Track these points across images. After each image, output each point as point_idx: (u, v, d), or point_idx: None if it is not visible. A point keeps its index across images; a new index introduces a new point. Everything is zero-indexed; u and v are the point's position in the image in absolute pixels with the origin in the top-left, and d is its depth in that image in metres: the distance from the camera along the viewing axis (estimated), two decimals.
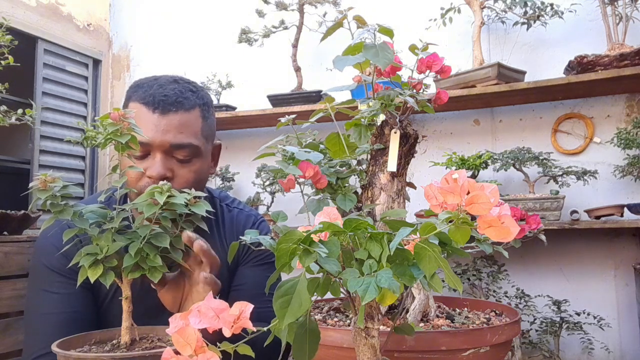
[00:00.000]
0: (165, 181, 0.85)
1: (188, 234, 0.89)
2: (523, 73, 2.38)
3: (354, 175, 0.86)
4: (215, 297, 0.55)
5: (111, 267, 0.82)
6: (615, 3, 2.20)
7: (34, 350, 1.05)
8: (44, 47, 2.87)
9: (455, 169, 2.26)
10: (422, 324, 0.83)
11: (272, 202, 2.78)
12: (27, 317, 1.11)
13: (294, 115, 0.87)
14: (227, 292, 1.19)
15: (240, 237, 0.70)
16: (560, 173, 2.23)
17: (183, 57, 3.23)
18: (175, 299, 0.96)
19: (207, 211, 0.87)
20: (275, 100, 2.74)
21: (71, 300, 1.07)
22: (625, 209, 2.16)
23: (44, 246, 1.12)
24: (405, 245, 0.55)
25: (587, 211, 2.23)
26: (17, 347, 1.38)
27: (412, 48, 0.83)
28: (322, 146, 0.88)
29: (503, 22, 2.48)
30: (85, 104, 3.11)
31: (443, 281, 1.14)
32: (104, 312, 1.12)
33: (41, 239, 1.15)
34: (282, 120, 0.85)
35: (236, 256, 1.22)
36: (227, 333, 0.54)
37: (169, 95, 1.08)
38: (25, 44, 2.40)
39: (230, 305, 0.55)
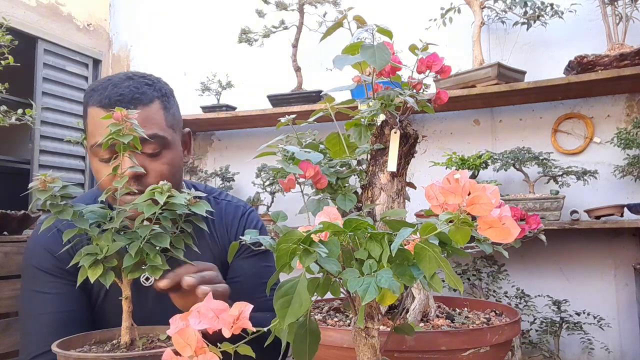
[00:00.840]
0: (165, 181, 0.85)
1: (188, 280, 0.88)
2: (523, 73, 2.38)
3: (354, 175, 0.86)
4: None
5: (111, 267, 0.82)
6: (615, 3, 2.20)
7: (30, 350, 1.04)
8: (44, 47, 2.87)
9: (456, 169, 2.26)
10: (422, 324, 0.83)
11: (272, 202, 2.78)
12: (22, 318, 1.11)
13: (294, 115, 0.87)
14: None
15: (241, 237, 0.70)
16: (560, 173, 2.23)
17: (183, 57, 3.23)
18: (187, 304, 0.95)
19: (206, 211, 0.86)
20: (275, 100, 2.74)
21: (64, 299, 1.07)
22: (625, 209, 2.16)
23: (32, 248, 1.12)
24: (405, 245, 0.55)
25: (587, 211, 2.23)
26: (17, 347, 1.38)
27: (412, 48, 0.83)
28: (322, 146, 0.88)
29: (503, 22, 2.48)
30: None
31: (443, 281, 1.14)
32: (96, 312, 1.12)
33: (30, 240, 1.15)
34: (282, 120, 0.85)
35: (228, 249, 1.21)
36: (226, 334, 0.54)
37: (125, 93, 1.06)
38: (25, 44, 2.40)
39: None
